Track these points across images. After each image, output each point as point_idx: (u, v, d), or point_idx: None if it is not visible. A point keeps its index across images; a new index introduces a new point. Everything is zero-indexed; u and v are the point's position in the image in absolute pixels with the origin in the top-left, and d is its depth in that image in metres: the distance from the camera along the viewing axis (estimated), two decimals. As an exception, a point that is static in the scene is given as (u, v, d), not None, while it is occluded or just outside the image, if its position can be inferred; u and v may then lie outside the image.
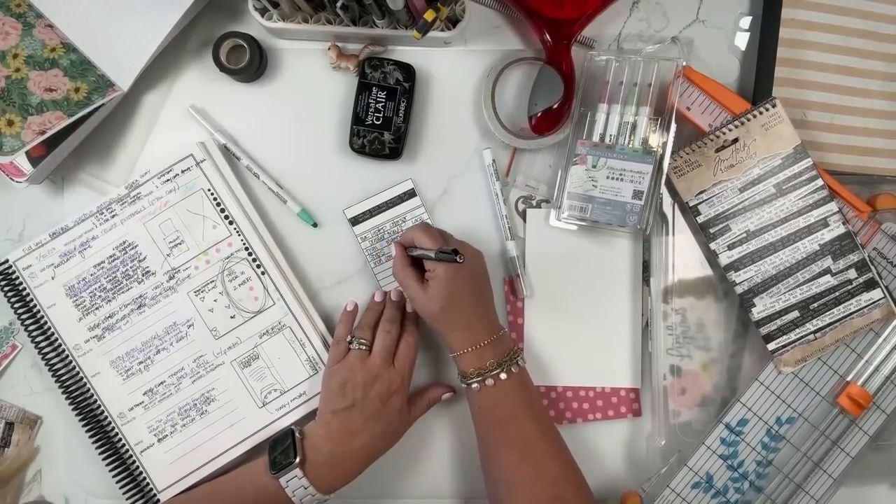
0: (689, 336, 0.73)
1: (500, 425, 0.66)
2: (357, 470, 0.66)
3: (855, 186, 0.73)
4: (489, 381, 0.65)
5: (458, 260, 0.63)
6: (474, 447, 0.71)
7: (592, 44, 0.76)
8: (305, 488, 0.64)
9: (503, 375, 0.65)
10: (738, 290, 0.71)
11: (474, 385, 0.66)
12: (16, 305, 0.72)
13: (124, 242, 0.73)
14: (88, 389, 0.72)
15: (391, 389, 0.67)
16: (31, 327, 0.72)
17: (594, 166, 0.71)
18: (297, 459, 0.64)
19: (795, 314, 0.70)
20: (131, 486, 0.71)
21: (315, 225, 0.75)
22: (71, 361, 0.72)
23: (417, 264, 0.69)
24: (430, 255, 0.65)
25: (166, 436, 0.72)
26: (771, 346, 0.70)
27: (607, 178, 0.71)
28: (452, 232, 0.75)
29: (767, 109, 0.70)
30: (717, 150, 0.71)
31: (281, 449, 0.65)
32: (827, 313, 0.70)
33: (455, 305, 0.66)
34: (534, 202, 0.76)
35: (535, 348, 0.74)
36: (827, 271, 0.70)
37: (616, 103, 0.71)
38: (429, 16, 0.63)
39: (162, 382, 0.72)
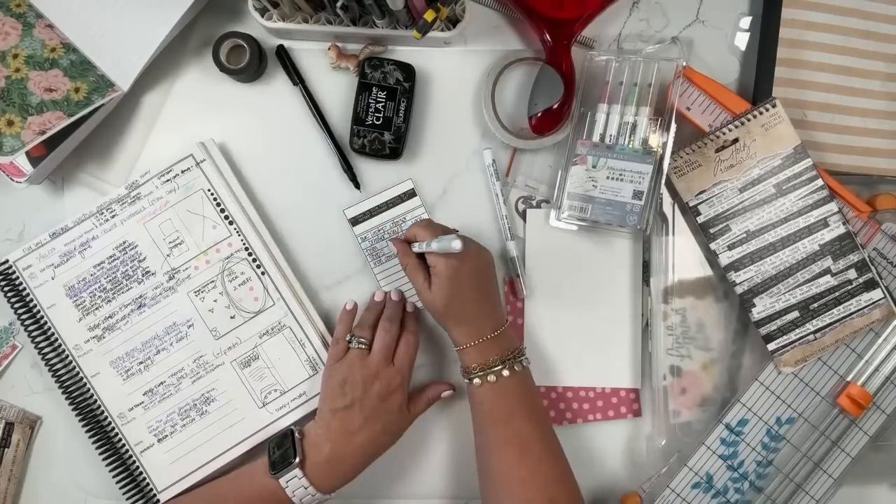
0: (689, 336, 0.73)
1: (500, 423, 0.65)
2: (357, 469, 0.66)
3: (855, 186, 0.73)
4: (491, 378, 0.65)
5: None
6: (474, 447, 0.72)
7: (592, 44, 0.76)
8: (305, 488, 0.64)
9: (505, 372, 0.65)
10: (738, 290, 0.71)
11: (476, 380, 0.66)
12: (16, 305, 0.72)
13: (124, 242, 0.73)
14: (88, 390, 0.72)
15: (391, 388, 0.67)
16: (31, 327, 0.72)
17: (594, 166, 0.71)
18: (297, 459, 0.64)
19: (795, 314, 0.70)
20: (131, 486, 0.71)
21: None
22: (71, 362, 0.72)
23: (424, 260, 0.69)
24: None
25: (166, 436, 0.72)
26: (771, 346, 0.70)
27: (607, 178, 0.71)
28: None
29: (767, 110, 0.70)
30: (717, 151, 0.71)
31: (281, 449, 0.65)
32: (827, 313, 0.70)
33: (458, 300, 0.66)
34: (534, 202, 0.76)
35: (535, 349, 0.74)
36: (827, 271, 0.70)
37: (616, 103, 0.71)
38: (429, 16, 0.63)
39: (162, 383, 0.72)
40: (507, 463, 0.64)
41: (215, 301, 0.73)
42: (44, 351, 0.72)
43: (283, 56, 0.75)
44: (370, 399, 0.66)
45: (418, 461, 0.75)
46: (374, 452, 0.67)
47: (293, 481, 0.64)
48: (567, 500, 0.64)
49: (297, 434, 0.66)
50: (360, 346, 0.68)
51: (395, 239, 0.71)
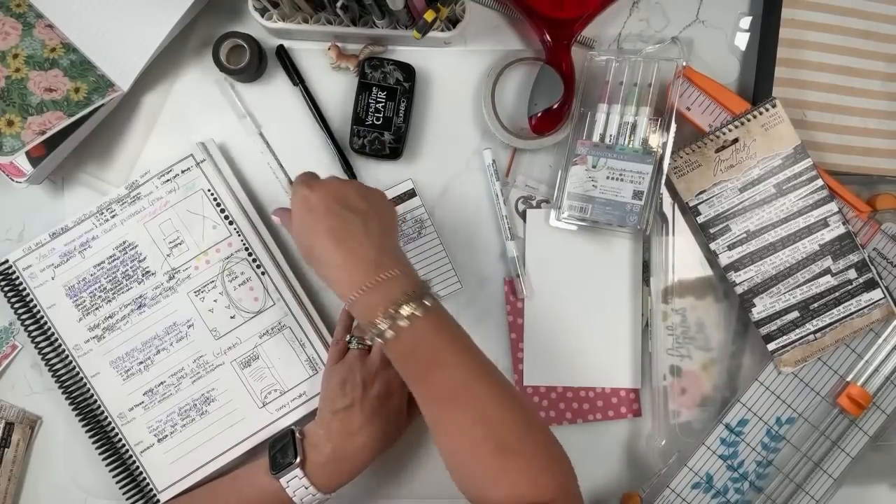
0: (689, 336, 0.73)
1: (423, 376, 0.57)
2: (357, 469, 0.66)
3: (855, 186, 0.73)
4: (389, 334, 0.54)
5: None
6: None
7: (592, 44, 0.76)
8: (306, 488, 0.64)
9: (402, 323, 0.54)
10: (738, 290, 0.71)
11: (382, 335, 0.55)
12: (16, 305, 0.72)
13: (124, 243, 0.73)
14: (88, 390, 0.72)
15: (391, 389, 0.67)
16: (31, 327, 0.72)
17: (594, 166, 0.71)
18: (298, 460, 0.64)
19: (795, 314, 0.70)
20: (131, 486, 0.71)
21: None
22: (71, 362, 0.72)
23: None
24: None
25: (166, 436, 0.72)
26: (771, 346, 0.70)
27: (607, 178, 0.71)
28: (452, 231, 0.75)
29: (767, 110, 0.70)
30: (717, 151, 0.71)
31: (281, 449, 0.65)
32: (827, 313, 0.70)
33: (318, 240, 0.57)
34: (534, 202, 0.76)
35: (535, 348, 0.74)
36: (827, 271, 0.70)
37: (616, 103, 0.71)
38: (429, 16, 0.63)
39: (162, 383, 0.72)
40: (441, 419, 0.56)
41: (215, 301, 0.73)
42: (44, 351, 0.72)
43: (283, 56, 0.75)
44: (370, 400, 0.66)
45: (418, 461, 0.75)
46: (374, 453, 0.67)
47: (294, 481, 0.64)
48: (517, 441, 0.55)
49: (297, 434, 0.66)
50: (360, 346, 0.68)
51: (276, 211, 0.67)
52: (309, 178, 0.62)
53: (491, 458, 0.54)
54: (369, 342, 0.68)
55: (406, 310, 0.54)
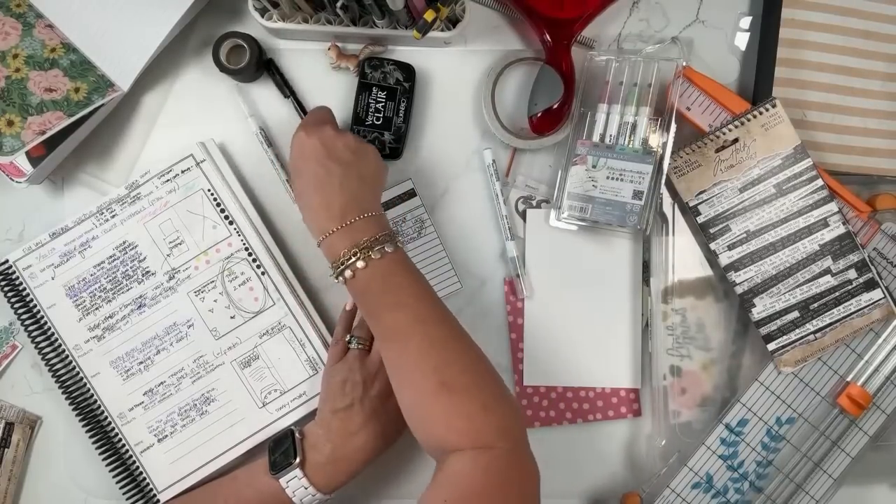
0: (689, 336, 0.73)
1: (378, 314, 0.61)
2: (357, 469, 0.66)
3: (855, 186, 0.73)
4: (347, 273, 0.59)
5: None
6: None
7: (592, 44, 0.76)
8: (306, 488, 0.64)
9: (360, 264, 0.59)
10: (738, 290, 0.71)
11: (346, 273, 0.60)
12: (16, 305, 0.72)
13: (124, 243, 0.73)
14: (88, 390, 0.72)
15: (390, 389, 0.67)
16: (31, 327, 0.72)
17: (594, 166, 0.71)
18: (298, 460, 0.64)
19: (795, 314, 0.70)
20: (131, 486, 0.71)
21: None
22: (71, 362, 0.72)
23: None
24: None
25: (166, 436, 0.72)
26: (771, 346, 0.70)
27: (607, 178, 0.71)
28: (452, 231, 0.75)
29: (767, 110, 0.70)
30: (717, 151, 0.71)
31: (281, 449, 0.65)
32: (827, 313, 0.70)
33: (302, 179, 0.63)
34: (534, 202, 0.76)
35: (535, 348, 0.74)
36: (827, 271, 0.70)
37: (616, 103, 0.71)
38: (429, 16, 0.63)
39: (162, 383, 0.72)
40: (391, 356, 0.61)
41: (215, 301, 0.73)
42: (44, 351, 0.72)
43: (274, 70, 0.74)
44: (370, 399, 0.66)
45: (418, 461, 0.75)
46: (374, 452, 0.67)
47: (294, 482, 0.64)
48: (460, 381, 0.58)
49: (297, 434, 0.66)
50: (360, 346, 0.68)
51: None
52: (310, 122, 0.65)
53: (433, 396, 0.57)
54: (364, 346, 0.69)
55: (366, 252, 0.59)
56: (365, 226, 0.61)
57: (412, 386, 0.59)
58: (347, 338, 0.69)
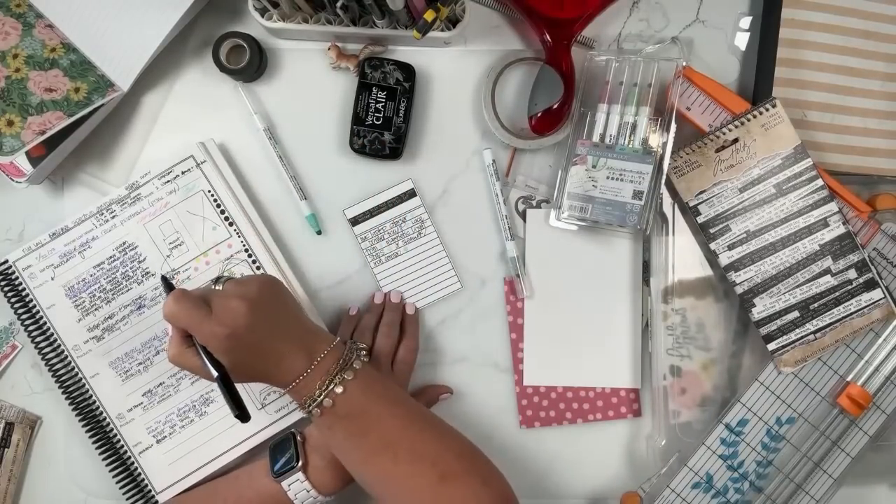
0: (689, 336, 0.73)
1: (362, 436, 0.60)
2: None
3: (855, 186, 0.73)
4: (327, 402, 0.58)
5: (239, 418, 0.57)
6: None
7: (592, 44, 0.76)
8: (308, 491, 0.64)
9: (338, 389, 0.58)
10: (738, 290, 0.71)
11: (315, 411, 0.59)
12: (16, 306, 0.72)
13: (124, 243, 0.73)
14: (88, 390, 0.72)
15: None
16: (31, 327, 0.72)
17: (594, 166, 0.71)
18: (300, 463, 0.64)
19: (795, 314, 0.70)
20: (131, 486, 0.71)
21: (319, 232, 0.75)
22: (70, 362, 0.72)
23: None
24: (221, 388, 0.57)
25: (165, 437, 0.72)
26: (771, 346, 0.70)
27: (607, 178, 0.71)
28: (452, 231, 0.75)
29: (767, 109, 0.70)
30: (717, 151, 0.71)
31: (283, 452, 0.65)
32: (827, 313, 0.70)
33: (250, 349, 0.58)
34: (534, 202, 0.76)
35: (535, 348, 0.74)
36: (827, 271, 0.70)
37: (616, 103, 0.71)
38: (429, 16, 0.63)
39: (161, 384, 0.72)
40: (386, 471, 0.60)
41: (215, 301, 0.72)
42: (44, 351, 0.72)
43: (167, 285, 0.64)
44: (371, 403, 0.66)
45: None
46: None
47: (296, 484, 0.64)
48: (460, 467, 0.59)
49: (298, 437, 0.66)
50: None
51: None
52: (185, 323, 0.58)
53: (436, 488, 0.58)
54: (365, 350, 0.68)
55: (340, 376, 0.59)
56: (329, 354, 0.60)
57: (412, 490, 0.59)
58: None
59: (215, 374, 0.56)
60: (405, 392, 0.62)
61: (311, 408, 0.59)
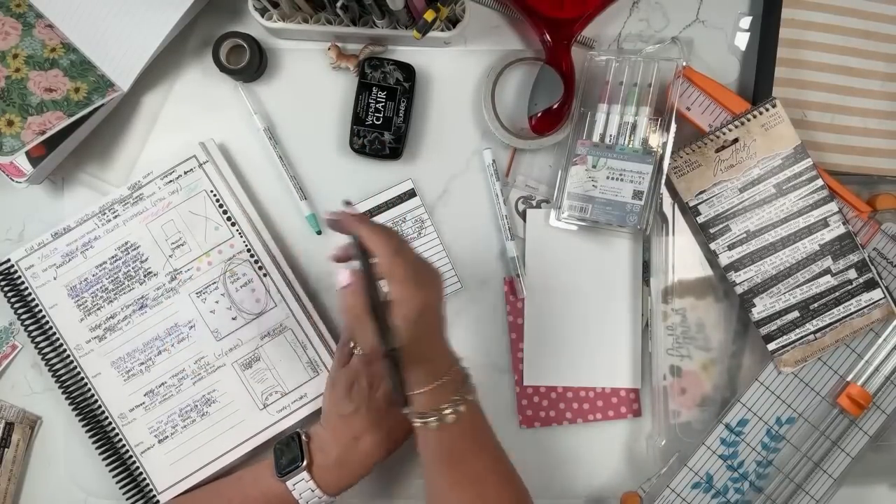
0: (689, 336, 0.73)
1: (454, 463, 0.60)
2: (363, 472, 0.66)
3: (855, 186, 0.74)
4: (450, 418, 0.58)
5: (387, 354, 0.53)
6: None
7: (592, 44, 0.76)
8: (312, 491, 0.64)
9: (462, 408, 0.58)
10: (738, 290, 0.71)
11: (433, 424, 0.58)
12: (16, 305, 0.72)
13: (126, 243, 0.73)
14: (89, 390, 0.72)
15: (396, 393, 0.67)
16: (32, 327, 0.72)
17: (594, 166, 0.71)
18: (305, 463, 0.64)
19: (795, 314, 0.70)
20: (131, 486, 0.71)
21: (319, 232, 0.75)
22: (72, 362, 0.72)
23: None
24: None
25: (167, 437, 0.72)
26: (771, 346, 0.70)
27: (607, 178, 0.71)
28: (452, 231, 0.75)
29: (767, 109, 0.70)
30: (717, 151, 0.71)
31: (287, 452, 0.65)
32: (827, 313, 0.70)
33: (426, 335, 0.57)
34: (534, 202, 0.76)
35: (535, 348, 0.74)
36: (827, 271, 0.70)
37: (616, 103, 0.71)
38: (429, 16, 0.63)
39: (163, 384, 0.72)
40: (466, 502, 0.60)
41: (217, 302, 0.73)
42: (44, 351, 0.72)
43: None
44: (376, 403, 0.66)
45: (419, 463, 0.75)
46: (380, 456, 0.67)
47: (300, 484, 0.64)
48: None
49: (303, 437, 0.66)
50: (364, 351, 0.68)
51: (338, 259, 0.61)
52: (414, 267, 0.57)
53: None
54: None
55: (463, 396, 0.58)
56: (457, 371, 0.60)
57: None
58: (352, 343, 0.69)
59: (387, 347, 0.53)
60: (495, 440, 0.63)
61: (426, 420, 0.58)
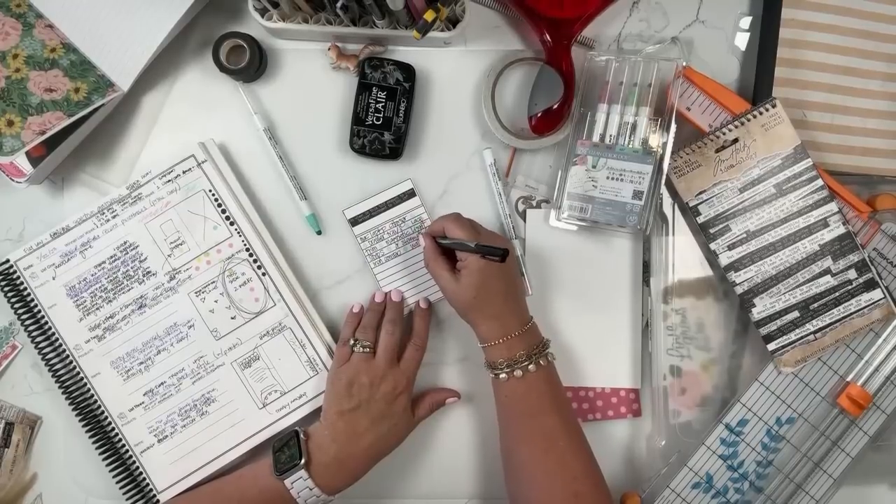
0: (689, 336, 0.73)
1: (525, 417, 0.65)
2: (362, 471, 0.67)
3: (855, 186, 0.73)
4: (518, 373, 0.65)
5: (500, 260, 0.63)
6: (477, 448, 0.71)
7: (592, 44, 0.76)
8: (311, 489, 0.64)
9: (531, 367, 0.65)
10: (738, 290, 0.71)
11: (502, 376, 0.65)
12: (16, 305, 0.72)
13: (125, 243, 0.73)
14: (89, 390, 0.72)
15: (397, 390, 0.67)
16: (32, 327, 0.72)
17: (594, 166, 0.71)
18: (303, 461, 0.64)
19: (795, 314, 0.70)
20: (131, 486, 0.71)
21: (319, 233, 0.75)
22: (71, 362, 0.72)
23: (447, 253, 0.69)
24: (470, 247, 0.64)
25: (166, 436, 0.72)
26: (771, 346, 0.70)
27: (607, 178, 0.71)
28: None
29: (767, 110, 0.70)
30: (717, 151, 0.71)
31: (286, 450, 0.65)
32: (827, 313, 0.70)
33: (487, 295, 0.66)
34: (534, 202, 0.76)
35: (536, 348, 0.74)
36: (827, 271, 0.70)
37: (616, 103, 0.71)
38: (429, 16, 0.63)
39: (162, 383, 0.72)
40: (534, 455, 0.64)
41: (216, 302, 0.73)
42: (44, 351, 0.72)
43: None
44: (377, 401, 0.66)
45: (422, 461, 0.75)
46: (379, 454, 0.67)
47: (299, 482, 0.64)
48: (593, 497, 0.63)
49: (301, 435, 0.66)
50: (364, 349, 0.68)
51: (426, 233, 0.70)
52: (494, 238, 0.69)
53: (571, 500, 0.62)
54: (369, 348, 0.69)
55: (538, 356, 0.66)
56: (534, 331, 0.68)
57: (549, 489, 0.63)
58: (352, 341, 0.69)
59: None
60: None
61: (499, 371, 0.66)
